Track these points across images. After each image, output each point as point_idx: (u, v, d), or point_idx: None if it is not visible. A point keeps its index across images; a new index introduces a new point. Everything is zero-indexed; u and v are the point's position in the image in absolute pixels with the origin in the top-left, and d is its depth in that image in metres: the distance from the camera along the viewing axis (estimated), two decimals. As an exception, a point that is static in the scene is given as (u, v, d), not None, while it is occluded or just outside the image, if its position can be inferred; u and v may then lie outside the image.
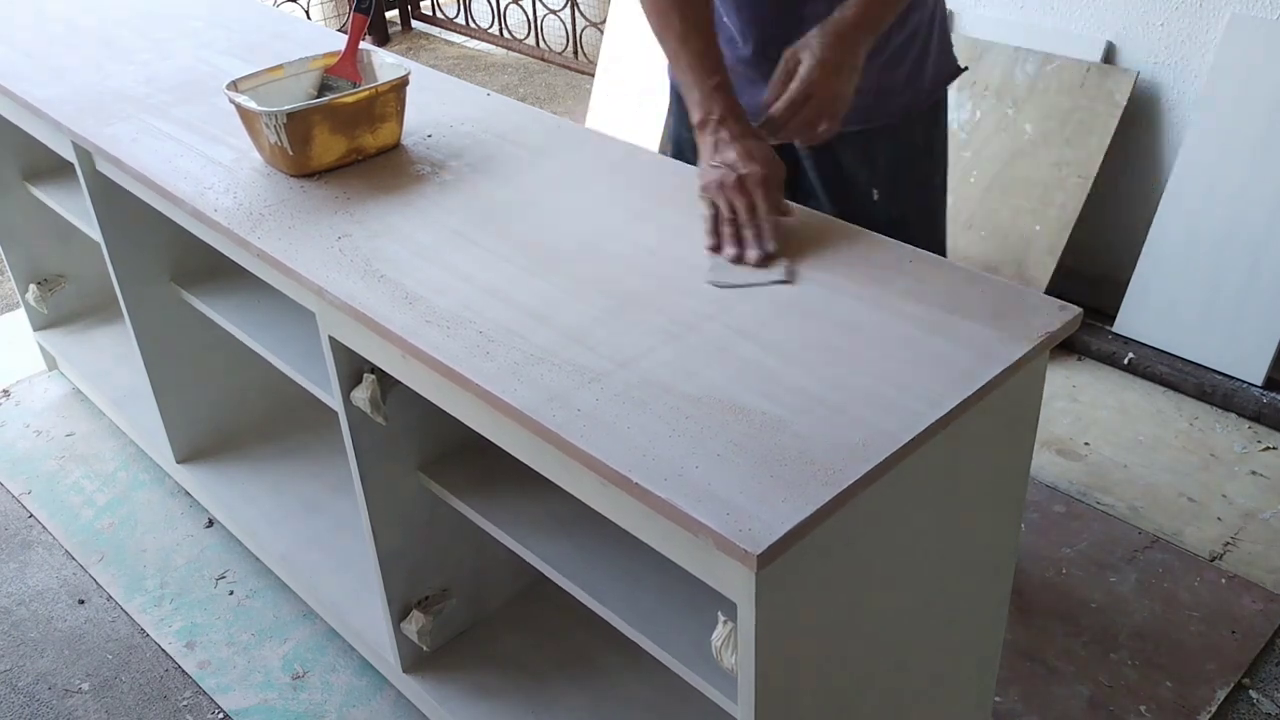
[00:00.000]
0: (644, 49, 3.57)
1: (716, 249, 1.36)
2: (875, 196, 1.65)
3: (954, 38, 2.88)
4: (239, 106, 1.57)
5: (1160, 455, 2.37)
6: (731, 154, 1.37)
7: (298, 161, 1.57)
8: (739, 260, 1.33)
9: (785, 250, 1.35)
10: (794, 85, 1.38)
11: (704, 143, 1.40)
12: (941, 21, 1.64)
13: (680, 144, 1.73)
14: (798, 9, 1.50)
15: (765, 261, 1.32)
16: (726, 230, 1.36)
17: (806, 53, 1.39)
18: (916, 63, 1.61)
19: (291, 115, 1.53)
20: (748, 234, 1.34)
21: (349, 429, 1.50)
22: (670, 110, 1.79)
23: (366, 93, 1.58)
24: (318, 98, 1.66)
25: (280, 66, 1.69)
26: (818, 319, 1.22)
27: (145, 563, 2.16)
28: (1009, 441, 1.27)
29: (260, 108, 1.54)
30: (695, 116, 1.41)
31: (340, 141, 1.59)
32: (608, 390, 1.12)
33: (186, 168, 1.63)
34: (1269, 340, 2.44)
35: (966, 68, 1.73)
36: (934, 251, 1.42)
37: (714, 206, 1.38)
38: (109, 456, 2.44)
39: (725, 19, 1.58)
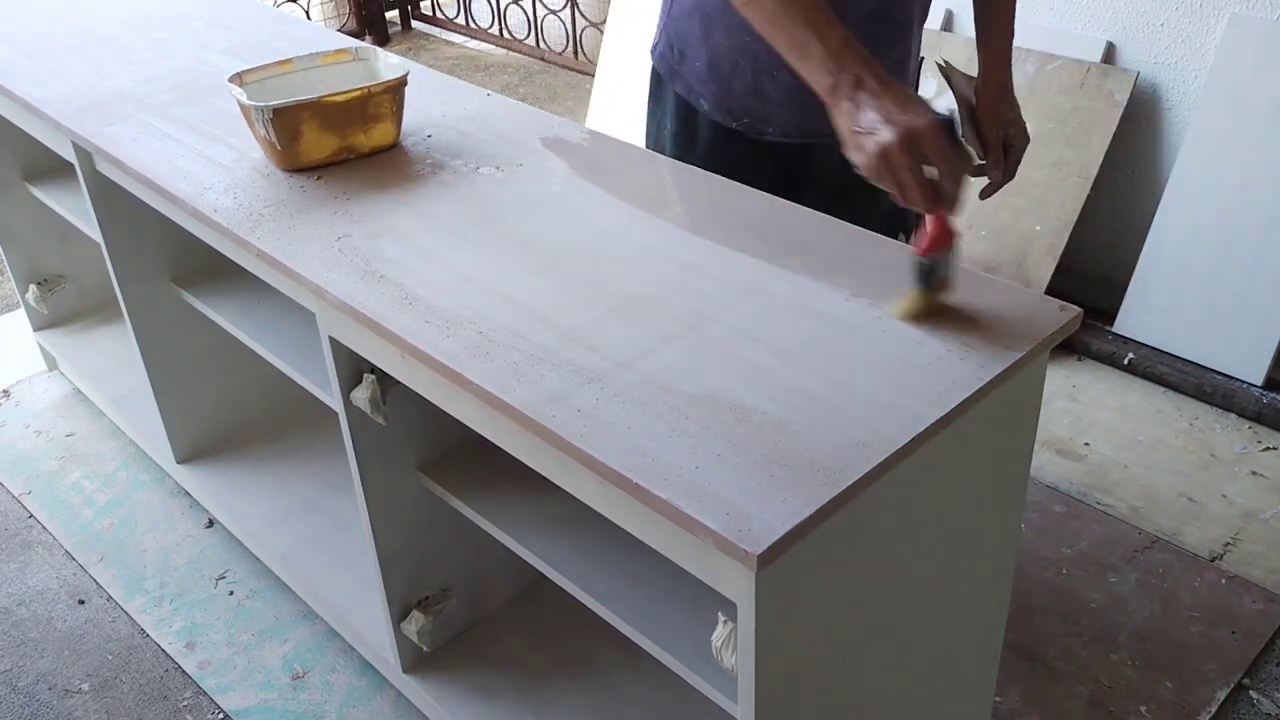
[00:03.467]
0: (644, 49, 3.56)
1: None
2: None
3: (953, 37, 2.88)
4: (238, 100, 1.58)
5: (1160, 455, 2.37)
6: (881, 113, 1.13)
7: (286, 156, 1.58)
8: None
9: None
10: (1011, 169, 1.47)
11: (841, 110, 1.16)
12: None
13: (671, 146, 1.71)
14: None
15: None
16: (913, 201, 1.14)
17: (1014, 128, 1.51)
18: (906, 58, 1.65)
19: (278, 111, 1.53)
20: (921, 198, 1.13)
21: (349, 429, 1.50)
22: (654, 118, 1.75)
23: (358, 92, 1.58)
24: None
25: (289, 60, 1.69)
26: (818, 319, 1.22)
27: (145, 563, 2.16)
28: (1009, 441, 1.27)
29: (250, 101, 1.55)
30: (823, 82, 1.18)
31: (330, 139, 1.59)
32: (608, 390, 1.12)
33: (186, 168, 1.63)
34: (1269, 340, 2.44)
35: (922, 58, 1.79)
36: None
37: (881, 179, 1.15)
38: (109, 456, 2.44)
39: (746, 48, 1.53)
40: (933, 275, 1.21)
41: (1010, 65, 1.57)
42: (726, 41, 1.57)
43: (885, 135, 1.11)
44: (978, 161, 1.43)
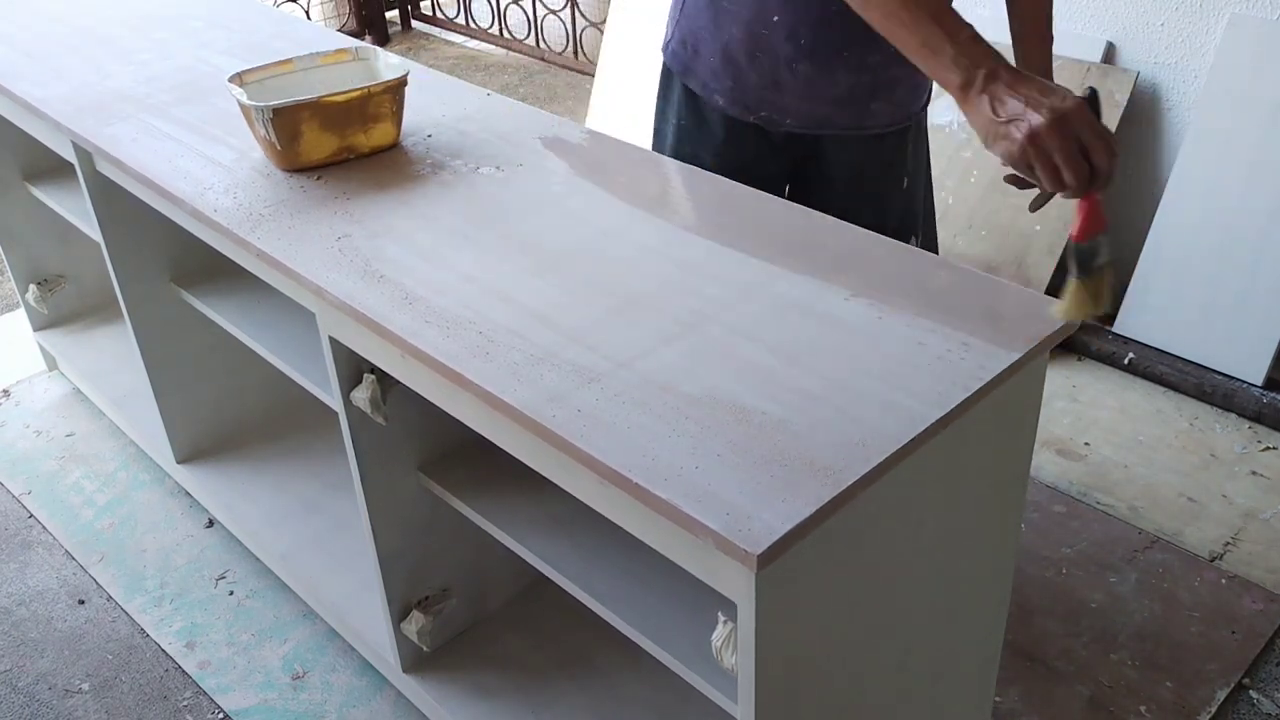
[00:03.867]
0: (643, 49, 3.57)
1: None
2: (905, 184, 1.69)
3: (954, 38, 2.88)
4: (238, 100, 1.58)
5: (1160, 455, 2.37)
6: (1024, 99, 1.13)
7: (286, 156, 1.58)
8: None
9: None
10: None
11: (978, 105, 1.16)
12: None
13: (682, 142, 1.71)
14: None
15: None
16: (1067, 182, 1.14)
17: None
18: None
19: (278, 111, 1.53)
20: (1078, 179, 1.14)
21: (349, 429, 1.50)
22: (665, 115, 1.75)
23: (358, 92, 1.58)
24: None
25: (289, 60, 1.69)
26: (818, 319, 1.22)
27: (145, 563, 2.16)
28: (1009, 441, 1.27)
29: (250, 101, 1.55)
30: (955, 79, 1.18)
31: (330, 139, 1.59)
32: (608, 390, 1.12)
33: (186, 168, 1.63)
34: (1269, 340, 2.44)
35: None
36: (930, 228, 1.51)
37: (1031, 166, 1.15)
38: (109, 456, 2.44)
39: (775, 18, 1.54)
40: (1092, 260, 1.19)
41: (1049, 68, 1.54)
42: (742, 35, 1.58)
43: (1034, 119, 1.10)
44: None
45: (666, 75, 1.74)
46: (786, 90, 1.60)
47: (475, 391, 1.16)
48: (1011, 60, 1.28)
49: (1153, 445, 2.40)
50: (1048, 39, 1.56)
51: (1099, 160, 1.13)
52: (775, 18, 1.54)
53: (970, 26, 1.20)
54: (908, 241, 1.68)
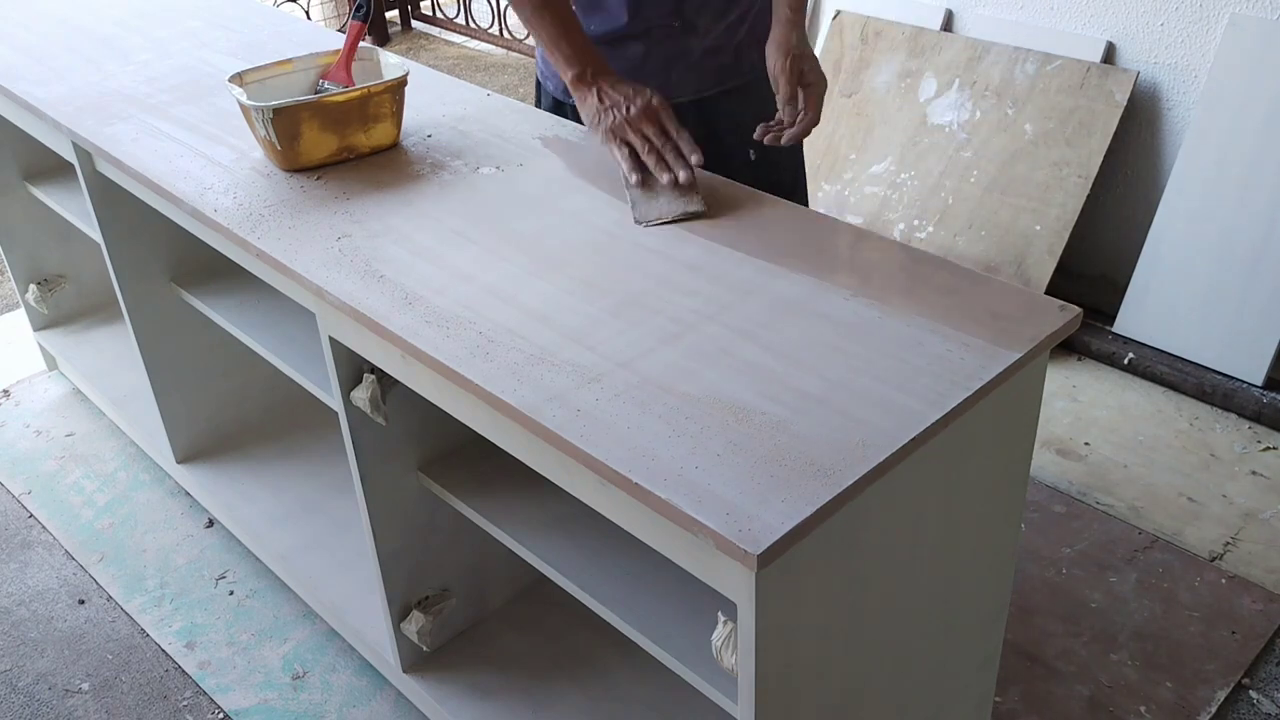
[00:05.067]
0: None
1: (643, 183, 1.44)
2: (751, 157, 1.72)
3: (953, 38, 2.88)
4: (238, 100, 1.58)
5: (1160, 455, 2.37)
6: (620, 94, 1.49)
7: (286, 157, 1.58)
8: (675, 183, 1.43)
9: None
10: (814, 110, 1.56)
11: (587, 93, 1.51)
12: None
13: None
14: None
15: (692, 181, 1.43)
16: (650, 159, 1.44)
17: (808, 63, 1.56)
18: (760, 17, 1.68)
19: (278, 111, 1.53)
20: (669, 156, 1.44)
21: (349, 429, 1.50)
22: (541, 101, 1.86)
23: (358, 93, 1.58)
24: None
25: (289, 60, 1.69)
26: (818, 319, 1.22)
27: (145, 563, 2.16)
28: (1009, 441, 1.27)
29: (250, 102, 1.55)
30: (570, 72, 1.52)
31: (330, 139, 1.59)
32: (608, 390, 1.12)
33: (186, 168, 1.63)
34: (1269, 340, 2.44)
35: None
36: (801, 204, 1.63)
37: (626, 145, 1.47)
38: (109, 456, 2.44)
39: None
40: None
41: (798, 23, 1.59)
42: (602, 24, 1.66)
43: (630, 110, 1.46)
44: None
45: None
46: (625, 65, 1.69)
47: (475, 391, 1.16)
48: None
49: (1153, 445, 2.40)
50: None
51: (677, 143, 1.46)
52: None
53: (585, 34, 1.54)
54: (799, 196, 1.82)
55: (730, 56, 1.70)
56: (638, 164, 1.46)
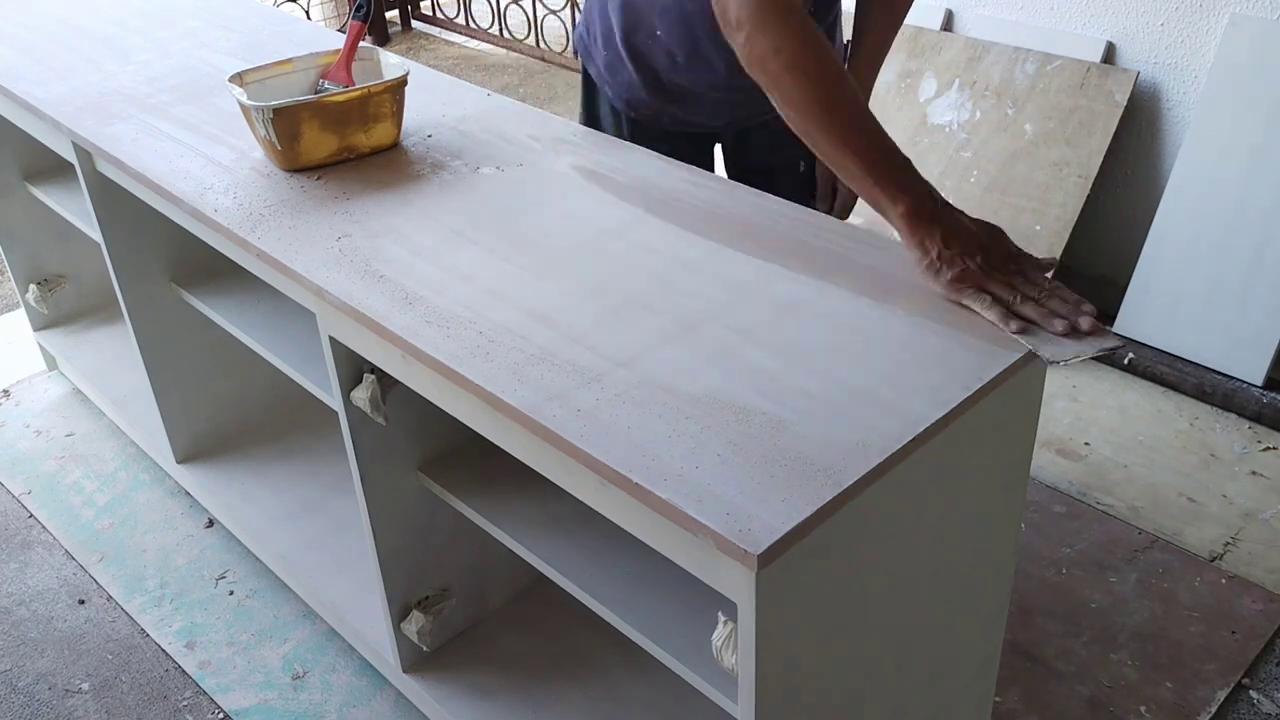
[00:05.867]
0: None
1: (1023, 330, 1.17)
2: (802, 168, 1.76)
3: (953, 38, 2.88)
4: (238, 100, 1.58)
5: (1160, 455, 2.37)
6: (972, 238, 1.22)
7: (286, 157, 1.58)
8: (1073, 331, 1.16)
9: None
10: (842, 211, 1.68)
11: (925, 233, 1.21)
12: (840, 17, 1.72)
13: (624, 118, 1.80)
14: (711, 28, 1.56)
15: (1094, 326, 1.17)
16: (1030, 310, 1.18)
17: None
18: (829, 38, 1.66)
19: (278, 111, 1.53)
20: (1054, 304, 1.18)
21: (349, 429, 1.50)
22: (603, 121, 1.83)
23: (359, 92, 1.58)
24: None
25: (289, 60, 1.69)
26: (818, 319, 1.22)
27: (145, 563, 2.16)
28: (1009, 441, 1.27)
29: (250, 102, 1.55)
30: (900, 207, 1.22)
31: (330, 139, 1.59)
32: (608, 390, 1.12)
33: (186, 168, 1.63)
34: (1269, 340, 2.44)
35: (849, 43, 1.79)
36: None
37: (984, 294, 1.19)
38: (109, 456, 2.44)
39: (659, 32, 1.63)
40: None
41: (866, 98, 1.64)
42: (625, 41, 1.67)
43: (986, 259, 1.20)
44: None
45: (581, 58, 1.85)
46: (665, 96, 1.70)
47: (475, 391, 1.16)
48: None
49: (1153, 445, 2.40)
50: (872, 71, 1.71)
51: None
52: (658, 32, 1.63)
53: (901, 153, 1.25)
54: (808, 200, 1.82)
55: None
56: (1009, 312, 1.18)
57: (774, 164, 1.78)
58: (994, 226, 1.24)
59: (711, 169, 1.73)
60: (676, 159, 1.62)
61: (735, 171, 1.84)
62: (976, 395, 1.11)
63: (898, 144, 1.24)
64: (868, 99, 1.67)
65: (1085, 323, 1.16)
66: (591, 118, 1.84)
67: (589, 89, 1.83)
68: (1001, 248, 1.22)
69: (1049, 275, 1.24)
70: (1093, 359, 1.38)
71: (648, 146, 1.66)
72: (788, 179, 1.78)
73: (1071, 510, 2.21)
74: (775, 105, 1.28)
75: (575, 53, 1.81)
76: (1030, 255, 1.24)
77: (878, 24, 1.70)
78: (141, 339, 2.05)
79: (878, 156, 1.22)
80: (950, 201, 1.24)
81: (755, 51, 1.25)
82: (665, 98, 1.71)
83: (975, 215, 1.26)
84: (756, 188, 1.54)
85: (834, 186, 1.70)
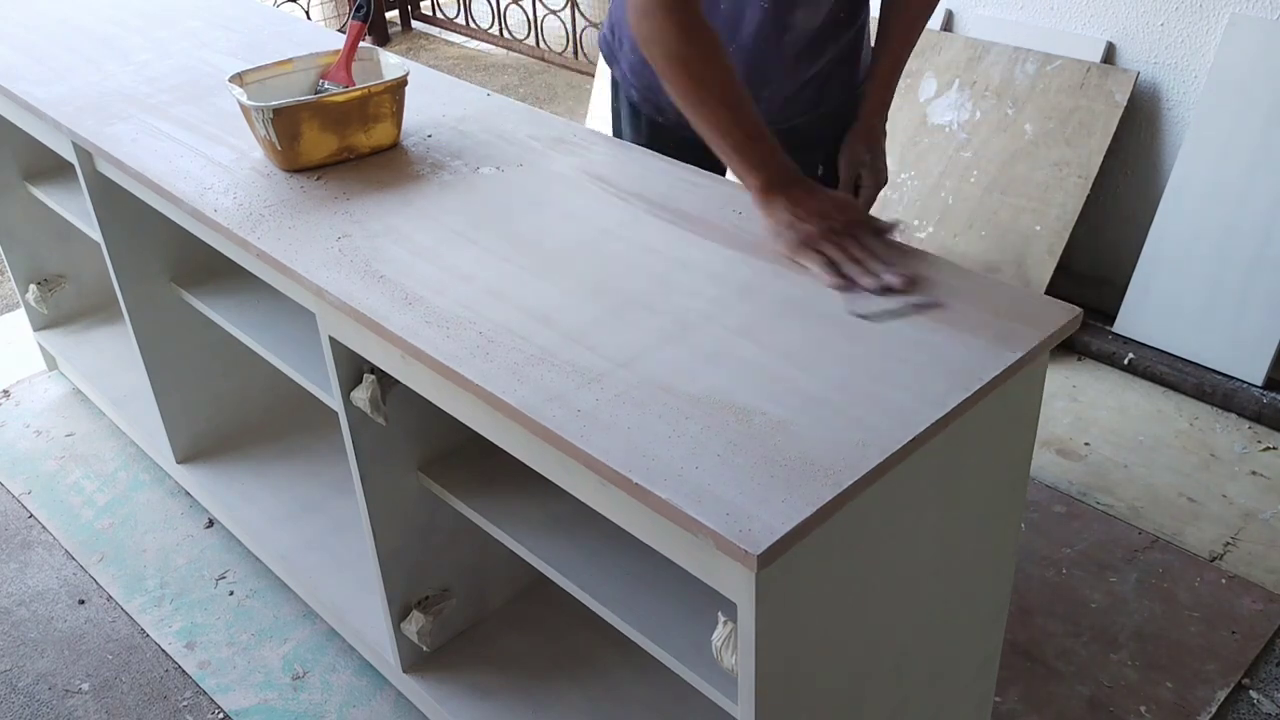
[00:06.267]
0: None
1: (845, 287, 1.27)
2: (820, 171, 1.73)
3: (953, 38, 2.88)
4: (238, 100, 1.58)
5: (1160, 455, 2.37)
6: (817, 206, 1.35)
7: (286, 157, 1.58)
8: (885, 290, 1.26)
9: None
10: (865, 207, 1.60)
11: (774, 203, 1.36)
12: (868, 26, 1.70)
13: (616, 130, 1.79)
14: (774, 41, 1.57)
15: (907, 285, 1.26)
16: (851, 269, 1.28)
17: (864, 169, 1.64)
18: (850, 63, 1.68)
19: (278, 111, 1.53)
20: (874, 265, 1.29)
21: (349, 429, 1.50)
22: (622, 120, 1.79)
23: (359, 93, 1.58)
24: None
25: (289, 60, 1.69)
26: (818, 319, 1.22)
27: (145, 563, 2.16)
28: (1009, 441, 1.27)
29: (250, 102, 1.55)
30: (755, 181, 1.37)
31: (330, 139, 1.59)
32: (608, 390, 1.12)
33: (186, 168, 1.63)
34: (1269, 340, 2.44)
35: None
36: None
37: (817, 254, 1.31)
38: (109, 456, 2.44)
39: None
40: None
41: (886, 104, 1.68)
42: None
43: (826, 226, 1.33)
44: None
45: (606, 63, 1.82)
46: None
47: (475, 391, 1.16)
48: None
49: (1153, 445, 2.40)
50: (898, 61, 1.68)
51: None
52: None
53: (772, 137, 1.39)
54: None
55: (815, 92, 1.66)
56: (834, 270, 1.29)
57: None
58: (842, 198, 1.39)
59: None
60: (697, 164, 1.60)
61: None
62: (976, 395, 1.11)
63: (761, 135, 1.38)
64: (887, 97, 1.67)
65: (895, 280, 1.27)
66: (615, 120, 1.82)
67: (614, 92, 1.80)
68: (842, 215, 1.35)
69: (892, 237, 1.38)
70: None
71: (669, 150, 1.64)
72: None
73: (1071, 510, 2.21)
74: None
75: (602, 54, 1.79)
76: (870, 222, 1.38)
77: (897, 29, 1.66)
78: (141, 339, 2.05)
79: (740, 138, 1.37)
80: (810, 179, 1.40)
81: (641, 35, 1.37)
82: None
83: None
84: None
85: (855, 188, 1.68)
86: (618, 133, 1.81)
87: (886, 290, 1.26)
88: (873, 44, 1.69)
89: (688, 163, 1.64)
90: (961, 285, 1.27)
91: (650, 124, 1.73)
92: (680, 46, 1.36)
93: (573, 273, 1.33)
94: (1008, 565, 1.40)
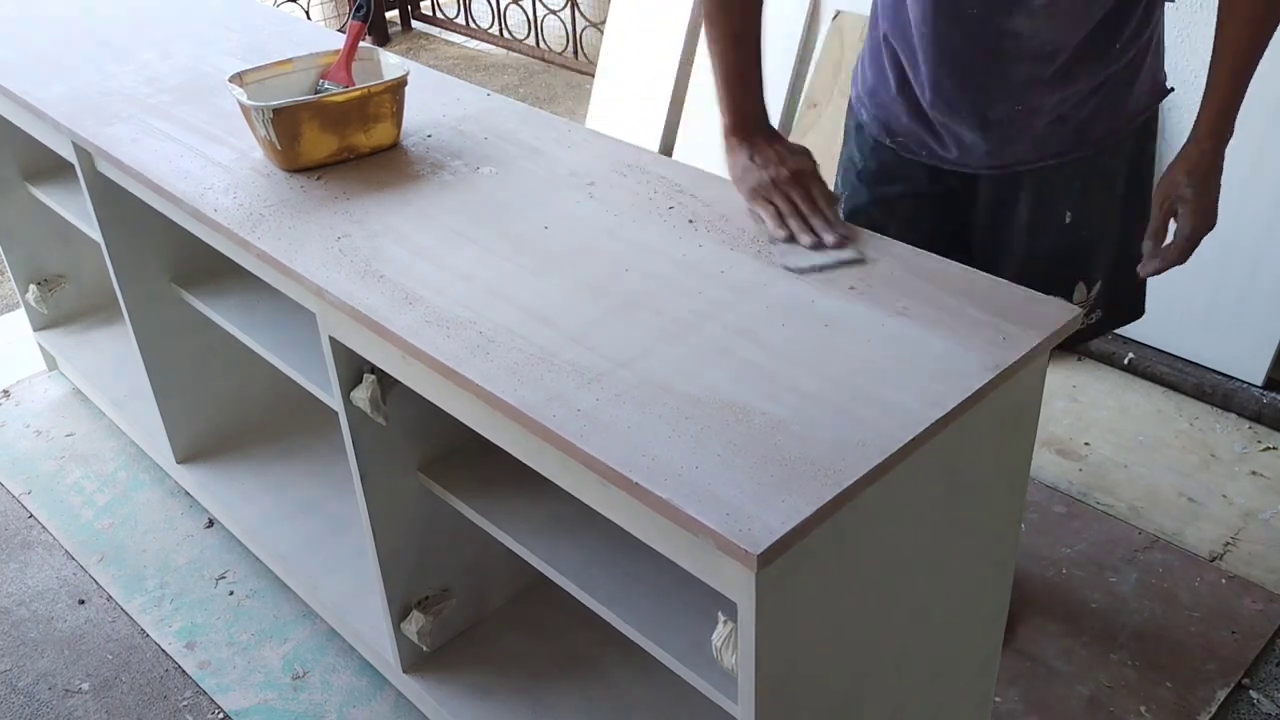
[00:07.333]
0: (644, 49, 3.56)
1: (789, 239, 1.36)
2: (1068, 219, 1.55)
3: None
4: (238, 100, 1.58)
5: (1160, 455, 2.37)
6: (773, 154, 1.43)
7: (286, 156, 1.58)
8: (819, 246, 1.34)
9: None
10: (1175, 250, 1.51)
11: (737, 147, 1.45)
12: (1159, 41, 1.51)
13: (854, 171, 1.67)
14: (992, 56, 1.42)
15: (841, 243, 1.34)
16: (794, 223, 1.36)
17: (1182, 205, 1.46)
18: (1125, 88, 1.48)
19: (278, 111, 1.54)
20: (816, 222, 1.36)
21: (349, 429, 1.50)
22: (847, 138, 1.70)
23: (359, 93, 1.58)
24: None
25: (289, 60, 1.69)
26: (818, 319, 1.22)
27: (145, 563, 2.16)
28: (1009, 441, 1.27)
29: (250, 102, 1.55)
30: (725, 121, 1.46)
31: (330, 139, 1.59)
32: (608, 390, 1.12)
33: (186, 168, 1.63)
34: (1269, 340, 2.44)
35: (1173, 88, 1.59)
36: (1127, 274, 1.57)
37: (769, 204, 1.40)
38: (109, 456, 2.44)
39: (908, 70, 1.49)
40: None
41: (1224, 128, 1.45)
42: (889, 56, 1.52)
43: (778, 173, 1.41)
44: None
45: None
46: (926, 127, 1.53)
47: (475, 391, 1.16)
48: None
49: (1153, 445, 2.40)
50: (1227, 87, 1.46)
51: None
52: (920, 60, 1.47)
53: (759, 87, 1.46)
54: (1068, 287, 1.61)
55: (1071, 129, 1.48)
56: (782, 224, 1.37)
57: (1027, 216, 1.57)
58: (803, 152, 1.44)
59: (949, 233, 1.59)
60: (915, 211, 1.57)
61: (987, 234, 1.62)
62: (976, 395, 1.11)
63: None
64: (1226, 117, 1.45)
65: (829, 238, 1.33)
66: (846, 152, 1.71)
67: (850, 122, 1.70)
68: (794, 165, 1.41)
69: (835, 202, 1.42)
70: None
71: (888, 178, 1.59)
72: (1046, 229, 1.56)
73: (1071, 510, 2.21)
74: None
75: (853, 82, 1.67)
76: (819, 179, 1.43)
77: (1235, 32, 1.43)
78: (141, 339, 2.05)
79: (729, 75, 1.44)
80: (776, 129, 1.46)
81: None
82: (923, 125, 1.53)
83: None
84: (1011, 251, 1.52)
85: (1171, 214, 1.47)
86: (845, 159, 1.71)
87: (818, 246, 1.34)
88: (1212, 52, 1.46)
89: (921, 192, 1.57)
90: (961, 285, 1.27)
91: (878, 152, 1.62)
92: None
93: (573, 273, 1.33)
94: (1008, 565, 1.40)
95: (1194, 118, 1.46)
